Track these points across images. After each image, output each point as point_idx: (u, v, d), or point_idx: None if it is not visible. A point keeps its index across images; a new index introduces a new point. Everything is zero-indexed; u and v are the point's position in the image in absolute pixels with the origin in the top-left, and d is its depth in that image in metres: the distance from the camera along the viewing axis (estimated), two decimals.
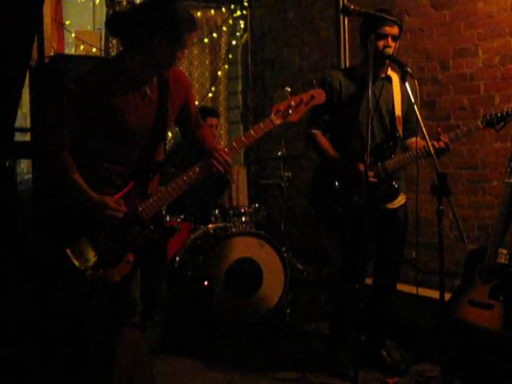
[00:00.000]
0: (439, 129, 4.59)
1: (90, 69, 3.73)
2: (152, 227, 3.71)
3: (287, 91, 3.94)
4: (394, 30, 4.45)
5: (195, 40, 8.43)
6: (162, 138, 3.85)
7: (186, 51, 3.88)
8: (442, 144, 4.44)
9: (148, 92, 3.69)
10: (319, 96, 3.91)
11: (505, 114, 4.54)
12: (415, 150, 4.44)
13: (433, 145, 4.36)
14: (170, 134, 8.12)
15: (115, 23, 3.63)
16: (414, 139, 4.69)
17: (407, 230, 4.95)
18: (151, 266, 3.96)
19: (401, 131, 4.69)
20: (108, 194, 3.60)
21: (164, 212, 6.98)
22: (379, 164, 4.55)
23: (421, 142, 4.43)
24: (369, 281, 4.99)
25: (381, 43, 4.41)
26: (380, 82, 4.58)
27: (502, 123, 4.54)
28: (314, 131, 4.74)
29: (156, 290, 4.11)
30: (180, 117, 3.95)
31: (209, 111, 7.09)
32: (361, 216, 4.30)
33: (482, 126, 4.54)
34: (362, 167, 4.43)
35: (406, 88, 4.44)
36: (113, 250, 3.61)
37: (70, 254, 3.55)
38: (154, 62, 3.59)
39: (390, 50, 4.44)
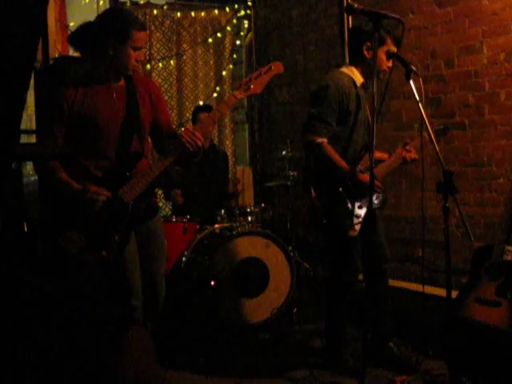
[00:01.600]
0: (407, 141, 4.62)
1: (69, 77, 4.26)
2: (134, 205, 3.88)
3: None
4: (394, 48, 4.54)
5: (199, 40, 8.45)
6: (139, 135, 4.04)
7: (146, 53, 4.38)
8: (412, 156, 4.53)
9: (114, 94, 3.97)
10: (277, 67, 4.14)
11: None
12: (395, 157, 4.54)
13: (404, 159, 4.45)
14: None
15: (74, 37, 4.01)
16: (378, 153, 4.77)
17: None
18: (148, 258, 4.17)
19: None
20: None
21: (170, 212, 7.02)
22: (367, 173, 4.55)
23: (399, 150, 4.52)
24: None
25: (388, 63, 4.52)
26: (366, 91, 4.64)
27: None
28: (321, 140, 4.57)
29: (155, 282, 4.28)
30: (151, 126, 4.17)
31: (201, 107, 7.13)
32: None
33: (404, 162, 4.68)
34: (365, 178, 4.44)
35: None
36: (100, 231, 3.81)
37: (60, 241, 3.77)
38: (111, 63, 3.92)
39: (394, 49, 4.45)
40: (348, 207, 4.55)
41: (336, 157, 4.59)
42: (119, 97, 3.98)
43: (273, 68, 4.09)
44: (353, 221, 4.54)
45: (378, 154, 4.71)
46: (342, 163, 4.57)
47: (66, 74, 4.91)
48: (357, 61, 4.71)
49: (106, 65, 3.93)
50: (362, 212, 4.52)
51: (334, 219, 4.62)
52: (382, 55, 4.49)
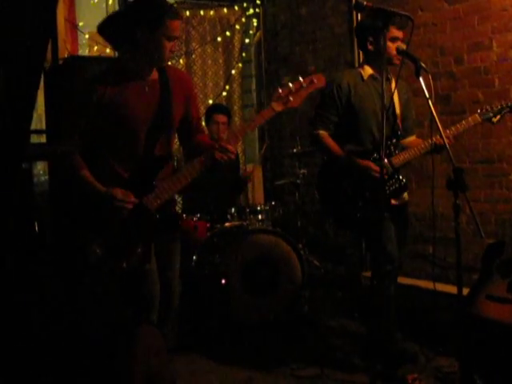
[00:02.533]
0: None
1: (96, 73, 3.86)
2: (158, 216, 3.75)
3: (287, 80, 4.00)
4: (399, 33, 4.52)
5: (208, 39, 8.45)
6: (167, 134, 3.90)
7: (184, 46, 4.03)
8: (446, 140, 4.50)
9: (146, 89, 3.78)
10: (319, 81, 3.93)
11: (500, 107, 4.61)
12: (423, 145, 4.52)
13: (435, 140, 4.41)
14: None
15: (103, 27, 3.76)
16: (410, 138, 4.86)
17: (408, 228, 4.97)
18: (164, 263, 4.01)
19: (401, 128, 4.75)
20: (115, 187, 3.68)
21: (180, 211, 7.02)
22: (386, 160, 4.56)
23: (418, 142, 4.51)
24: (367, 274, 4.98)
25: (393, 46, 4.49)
26: (384, 82, 4.62)
27: (499, 116, 4.60)
28: (321, 132, 4.79)
29: (170, 288, 4.12)
30: (180, 123, 3.99)
31: (217, 108, 7.09)
32: (375, 213, 4.36)
33: (480, 120, 4.59)
34: (368, 162, 4.51)
35: (402, 85, 4.53)
36: (123, 241, 3.67)
37: (82, 248, 3.65)
38: (144, 54, 3.70)
39: (403, 46, 4.46)
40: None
41: (334, 147, 4.73)
42: (152, 91, 3.80)
43: (315, 81, 3.91)
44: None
45: (418, 143, 4.77)
46: (340, 153, 4.65)
47: (77, 74, 4.86)
48: (366, 56, 4.79)
49: (138, 56, 3.74)
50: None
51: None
52: (387, 43, 4.49)
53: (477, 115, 4.62)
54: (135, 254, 3.69)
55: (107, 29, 3.76)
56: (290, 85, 3.84)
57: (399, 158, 4.63)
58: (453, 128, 4.57)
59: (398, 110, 4.79)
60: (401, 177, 4.66)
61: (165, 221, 3.85)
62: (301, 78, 3.88)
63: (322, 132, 4.78)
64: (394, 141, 4.68)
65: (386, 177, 4.58)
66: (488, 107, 4.64)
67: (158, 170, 3.80)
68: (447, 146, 3.87)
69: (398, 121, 4.78)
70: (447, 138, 4.44)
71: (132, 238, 3.70)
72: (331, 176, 4.82)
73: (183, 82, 3.98)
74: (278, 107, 3.85)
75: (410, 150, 4.65)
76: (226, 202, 6.72)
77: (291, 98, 3.83)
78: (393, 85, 4.74)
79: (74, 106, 3.88)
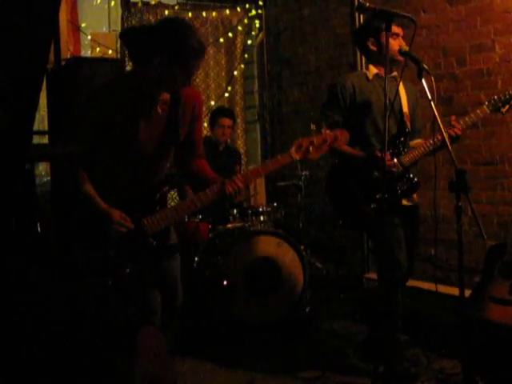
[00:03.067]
0: (453, 117, 4.58)
1: (103, 84, 3.84)
2: (155, 243, 3.75)
3: (312, 129, 3.99)
4: (399, 30, 4.52)
5: (211, 40, 8.46)
6: (169, 152, 3.89)
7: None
8: (457, 131, 4.49)
9: (159, 110, 3.72)
10: (342, 136, 3.92)
11: (508, 96, 4.55)
12: (429, 143, 4.51)
13: (448, 133, 4.39)
14: None
15: (128, 36, 3.67)
16: (417, 141, 4.80)
17: (419, 229, 4.95)
18: (164, 272, 4.00)
19: (409, 126, 4.74)
20: (116, 204, 3.65)
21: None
22: (395, 159, 4.56)
23: (429, 141, 4.51)
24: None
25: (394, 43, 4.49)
26: (391, 82, 4.60)
27: (507, 106, 4.56)
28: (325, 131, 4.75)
29: (172, 294, 4.12)
30: (181, 142, 3.91)
31: (222, 111, 7.09)
32: (386, 212, 4.37)
33: (488, 111, 4.57)
34: (379, 153, 4.50)
35: (411, 87, 4.53)
36: (112, 259, 3.67)
37: (75, 257, 3.66)
38: (157, 79, 3.60)
39: (405, 47, 4.46)
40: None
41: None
42: (162, 113, 3.74)
43: (339, 137, 3.89)
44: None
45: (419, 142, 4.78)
46: (346, 148, 4.65)
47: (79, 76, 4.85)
48: (369, 57, 4.79)
49: (151, 79, 3.63)
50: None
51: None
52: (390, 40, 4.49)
53: (485, 106, 4.58)
54: (123, 274, 3.69)
55: (131, 38, 3.65)
56: (314, 137, 3.85)
57: (409, 157, 4.60)
58: (461, 121, 4.55)
59: (405, 109, 4.78)
60: (411, 175, 4.65)
61: (161, 248, 3.83)
62: (326, 133, 3.88)
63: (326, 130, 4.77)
64: (402, 139, 4.66)
65: (395, 169, 4.56)
66: (495, 97, 4.58)
67: (157, 193, 3.79)
68: (449, 147, 3.86)
69: (406, 119, 4.76)
70: (459, 129, 4.47)
71: (122, 258, 3.69)
72: (341, 177, 4.82)
73: (194, 102, 3.89)
74: (296, 156, 3.84)
75: (419, 148, 4.63)
76: (227, 203, 6.72)
77: (311, 150, 3.83)
78: (400, 84, 4.74)
79: (85, 112, 3.84)
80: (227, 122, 6.86)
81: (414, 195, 4.79)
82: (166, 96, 3.74)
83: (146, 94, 3.69)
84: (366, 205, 4.63)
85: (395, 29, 4.52)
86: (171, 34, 3.52)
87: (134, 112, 3.66)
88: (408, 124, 4.78)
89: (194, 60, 3.56)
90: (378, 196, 4.58)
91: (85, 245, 3.67)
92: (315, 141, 3.83)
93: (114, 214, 3.62)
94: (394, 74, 4.75)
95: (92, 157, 3.71)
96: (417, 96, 4.91)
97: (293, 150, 3.84)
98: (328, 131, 3.91)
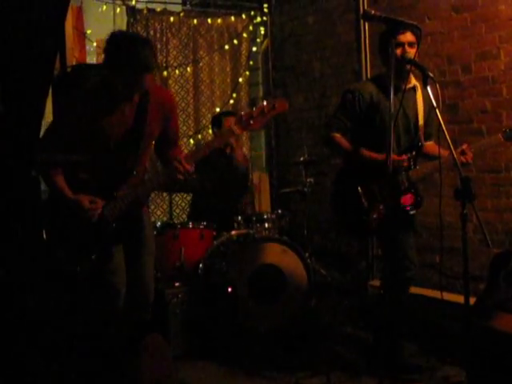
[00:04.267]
0: (465, 146, 4.58)
1: (86, 86, 4.16)
2: (114, 225, 3.96)
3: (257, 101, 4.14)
4: (408, 37, 4.49)
5: (216, 47, 8.47)
6: (137, 150, 4.07)
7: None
8: (468, 159, 4.50)
9: (126, 110, 3.98)
10: (281, 105, 4.02)
11: None
12: (438, 162, 4.51)
13: (459, 158, 4.39)
14: (192, 141, 8.16)
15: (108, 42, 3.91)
16: (429, 143, 4.80)
17: (416, 234, 4.97)
18: (132, 259, 4.21)
19: (423, 141, 4.73)
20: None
21: (187, 219, 7.02)
22: (403, 173, 4.57)
23: (444, 152, 4.47)
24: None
25: (398, 51, 4.44)
26: (407, 92, 4.58)
27: None
28: (336, 134, 4.79)
29: (146, 290, 4.30)
30: (158, 138, 4.23)
31: (225, 112, 7.14)
32: (387, 223, 4.37)
33: (503, 140, 4.59)
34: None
35: (427, 93, 4.49)
36: (78, 246, 3.90)
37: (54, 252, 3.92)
38: (124, 83, 3.86)
39: (410, 55, 4.44)
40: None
41: (349, 147, 4.77)
42: (129, 111, 4.00)
43: (276, 106, 4.01)
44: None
45: (436, 150, 4.75)
46: (355, 149, 4.66)
47: (83, 82, 4.94)
48: (388, 68, 4.73)
49: (120, 80, 3.87)
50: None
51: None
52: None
53: (500, 135, 4.62)
54: (89, 259, 3.88)
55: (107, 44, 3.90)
56: (253, 109, 3.99)
57: (417, 172, 4.62)
58: (473, 148, 4.58)
59: (421, 121, 4.77)
60: (417, 192, 4.65)
61: (124, 229, 4.03)
62: (264, 103, 4.00)
63: (337, 134, 4.78)
64: (414, 153, 4.66)
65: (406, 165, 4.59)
66: None
67: (121, 180, 4.00)
68: (454, 155, 3.85)
69: (420, 133, 4.75)
70: (470, 157, 4.48)
71: (87, 245, 3.90)
72: (346, 184, 4.82)
73: (163, 102, 4.17)
74: (237, 130, 3.98)
75: (428, 165, 4.65)
76: (230, 209, 6.73)
77: (252, 122, 3.95)
78: (418, 93, 4.73)
79: (64, 115, 4.09)
80: (233, 120, 6.86)
81: None
82: (135, 97, 3.99)
83: (120, 94, 3.94)
84: (367, 215, 4.63)
85: (404, 37, 4.49)
86: (112, 44, 3.82)
87: (103, 111, 3.92)
88: (422, 138, 4.77)
89: (130, 75, 3.80)
90: (381, 207, 4.59)
91: (62, 238, 3.93)
92: (254, 113, 3.95)
93: (82, 199, 3.86)
94: (413, 83, 4.71)
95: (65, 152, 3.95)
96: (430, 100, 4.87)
97: (233, 125, 3.99)
98: (265, 102, 4.02)
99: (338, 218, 5.00)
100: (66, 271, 3.94)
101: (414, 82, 4.72)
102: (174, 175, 3.94)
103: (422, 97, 4.77)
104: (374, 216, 4.61)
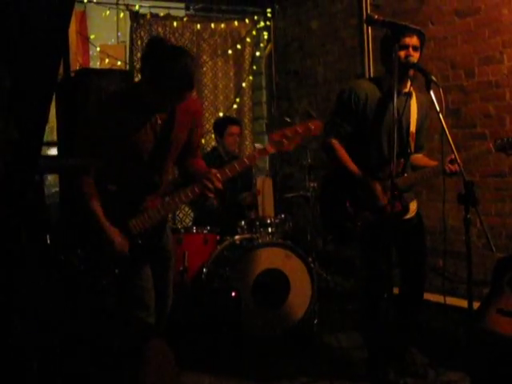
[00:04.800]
0: (453, 155, 4.56)
1: (112, 92, 4.14)
2: (140, 242, 3.87)
3: (287, 121, 4.08)
4: (414, 41, 4.46)
5: (219, 52, 8.49)
6: (165, 161, 4.00)
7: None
8: (456, 168, 4.44)
9: (158, 120, 3.87)
10: (316, 128, 3.99)
11: None
12: (428, 170, 4.52)
13: (447, 167, 4.39)
14: None
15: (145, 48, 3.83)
16: (418, 155, 4.81)
17: (425, 236, 4.93)
18: (156, 272, 4.13)
19: (413, 148, 4.70)
20: (109, 211, 3.81)
21: (190, 224, 7.03)
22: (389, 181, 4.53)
23: (432, 163, 4.47)
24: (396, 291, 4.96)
25: (402, 53, 4.41)
26: (403, 97, 4.55)
27: None
28: (333, 140, 4.70)
29: (164, 296, 4.25)
30: (181, 147, 4.08)
31: (230, 120, 7.12)
32: (373, 230, 4.36)
33: (493, 151, 4.55)
34: (378, 187, 4.48)
35: (423, 101, 4.49)
36: (102, 259, 3.83)
37: (65, 259, 3.84)
38: (155, 95, 3.74)
39: (413, 59, 4.43)
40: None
41: (345, 158, 4.67)
42: (158, 124, 3.88)
43: (312, 129, 3.97)
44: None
45: (425, 161, 4.76)
46: (351, 166, 4.62)
47: (88, 87, 4.92)
48: (387, 70, 4.71)
49: (150, 91, 3.72)
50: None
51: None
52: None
53: (490, 145, 4.56)
54: (113, 273, 3.83)
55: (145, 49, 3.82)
56: (287, 130, 3.92)
57: (404, 180, 4.58)
58: (463, 154, 4.55)
59: (412, 128, 4.70)
60: (404, 197, 4.62)
61: (148, 246, 3.96)
62: (298, 125, 3.96)
63: (335, 141, 4.69)
64: (403, 160, 4.63)
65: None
66: (504, 139, 4.56)
67: (149, 193, 3.91)
68: (458, 160, 3.85)
69: (411, 139, 4.72)
70: (457, 164, 4.44)
71: (111, 259, 3.83)
72: (331, 191, 4.81)
73: (193, 112, 4.04)
74: (271, 149, 3.92)
75: (417, 173, 4.63)
76: (236, 215, 6.73)
77: (285, 142, 3.90)
78: (413, 100, 4.69)
79: (88, 122, 3.97)
80: (237, 129, 6.88)
81: (411, 206, 4.75)
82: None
83: (149, 106, 3.82)
84: (352, 221, 4.62)
85: (410, 40, 4.48)
86: (155, 55, 3.65)
87: (131, 123, 3.80)
88: (412, 144, 4.73)
89: (185, 91, 3.69)
90: (366, 214, 4.57)
91: (85, 247, 3.83)
92: (288, 133, 3.90)
93: (115, 238, 3.78)
94: (409, 89, 4.68)
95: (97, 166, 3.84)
96: (427, 110, 4.83)
97: (267, 144, 3.93)
98: (300, 123, 3.99)
99: (324, 224, 4.99)
100: (89, 282, 3.90)
101: (409, 87, 4.67)
102: (204, 192, 3.87)
103: (417, 104, 4.73)
104: (359, 223, 4.60)
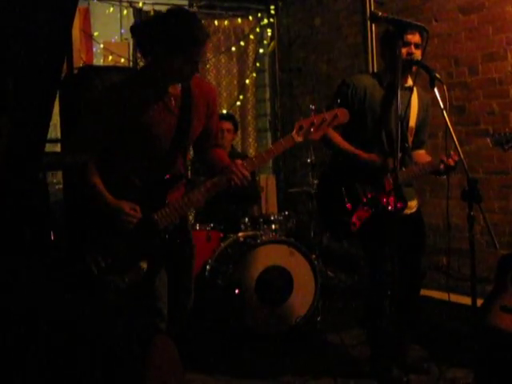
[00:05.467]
0: (451, 150, 4.53)
1: (115, 82, 3.90)
2: (167, 236, 3.77)
3: (312, 109, 3.94)
4: (416, 38, 4.46)
5: (223, 49, 8.49)
6: (185, 148, 3.91)
7: (209, 62, 3.96)
8: (451, 162, 4.42)
9: (173, 102, 3.75)
10: (342, 115, 3.85)
11: None
12: (425, 165, 4.51)
13: (442, 161, 4.38)
14: None
15: (137, 29, 3.79)
16: (419, 151, 4.77)
17: (425, 232, 4.93)
18: (176, 276, 4.02)
19: (411, 142, 4.70)
20: (128, 198, 3.68)
21: (194, 221, 7.03)
22: (389, 175, 4.52)
23: (426, 158, 4.47)
24: None
25: (404, 50, 4.41)
26: (404, 91, 4.54)
27: (511, 143, 4.52)
28: None
29: (181, 300, 4.14)
30: (199, 134, 3.96)
31: (221, 116, 7.11)
32: (373, 226, 4.36)
33: (491, 145, 4.53)
34: (377, 158, 4.48)
35: (424, 97, 4.48)
36: (126, 255, 3.69)
37: (86, 258, 3.67)
38: (164, 71, 3.66)
39: (416, 56, 4.43)
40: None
41: (339, 140, 4.68)
42: (174, 106, 3.77)
43: (339, 116, 3.82)
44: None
45: (426, 159, 4.75)
46: (345, 145, 4.63)
47: (92, 84, 4.87)
48: (386, 65, 4.71)
49: (160, 71, 3.68)
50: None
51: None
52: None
53: (488, 140, 4.54)
54: (138, 269, 3.71)
55: (138, 32, 3.76)
56: (314, 117, 3.79)
57: (403, 175, 4.50)
58: (459, 148, 4.53)
59: (411, 123, 4.70)
60: (403, 192, 4.60)
61: (174, 240, 3.85)
62: (325, 113, 3.81)
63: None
64: (401, 155, 4.61)
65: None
66: (502, 133, 4.55)
67: (173, 185, 3.81)
68: (461, 157, 3.84)
69: (409, 134, 4.71)
70: (455, 161, 4.42)
71: (136, 253, 3.72)
72: (330, 186, 4.80)
73: (207, 95, 3.94)
74: (298, 138, 3.77)
75: (416, 167, 4.62)
76: (239, 212, 6.73)
77: (312, 131, 3.77)
78: (414, 95, 4.67)
79: (88, 115, 3.87)
80: (226, 125, 6.77)
81: (412, 203, 4.75)
82: (177, 90, 3.79)
83: (156, 88, 3.73)
84: (350, 216, 4.61)
85: (413, 37, 4.47)
86: (168, 22, 3.57)
87: (147, 109, 3.68)
88: (410, 139, 4.73)
89: (194, 47, 3.57)
90: (365, 209, 4.56)
91: (96, 246, 3.70)
92: (315, 121, 3.77)
93: (123, 205, 3.65)
94: (410, 84, 4.68)
95: (104, 158, 3.75)
96: (428, 105, 4.84)
97: (294, 132, 3.78)
98: (327, 111, 3.84)
99: (322, 219, 4.99)
100: (108, 281, 3.80)
101: (410, 82, 4.67)
102: (231, 181, 3.75)
103: (418, 99, 4.72)
104: (357, 218, 4.59)
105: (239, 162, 3.81)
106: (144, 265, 3.73)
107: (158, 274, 3.82)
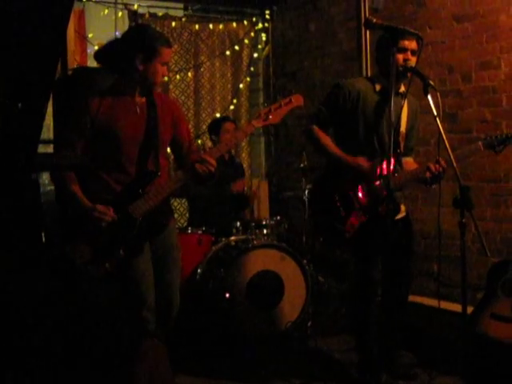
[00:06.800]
0: (438, 157, 4.52)
1: (90, 90, 4.25)
2: (141, 220, 3.98)
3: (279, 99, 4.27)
4: (413, 45, 4.47)
5: (217, 53, 8.49)
6: (156, 152, 4.15)
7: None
8: (437, 167, 4.42)
9: (138, 110, 4.10)
10: (297, 100, 4.22)
11: (504, 136, 4.53)
12: (412, 172, 4.52)
13: (429, 168, 4.40)
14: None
15: (101, 54, 4.26)
16: (407, 159, 4.81)
17: (413, 237, 4.95)
18: (163, 269, 4.28)
19: (402, 147, 4.71)
20: (107, 199, 3.98)
21: (185, 224, 7.03)
22: (381, 180, 4.53)
23: (414, 165, 4.49)
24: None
25: (400, 57, 4.43)
26: (397, 97, 4.55)
27: (502, 146, 4.53)
28: (315, 127, 4.78)
29: (169, 292, 4.35)
30: (172, 144, 4.37)
31: (224, 118, 7.16)
32: (364, 232, 4.36)
33: (482, 149, 4.53)
34: (364, 163, 4.49)
35: (414, 103, 4.49)
36: (105, 245, 3.93)
37: (67, 251, 3.93)
38: (140, 79, 4.07)
39: (411, 63, 4.45)
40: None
41: (327, 141, 4.74)
42: (141, 113, 4.10)
43: (293, 101, 4.20)
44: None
45: (414, 166, 4.76)
46: (332, 148, 4.69)
47: (85, 85, 4.96)
48: (380, 70, 4.73)
49: (134, 80, 4.08)
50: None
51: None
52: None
53: (480, 143, 4.55)
54: (118, 255, 3.93)
55: (104, 53, 4.22)
56: (271, 105, 4.17)
57: (394, 180, 4.50)
58: (451, 155, 4.53)
59: (402, 128, 4.72)
60: (395, 197, 4.59)
61: (151, 226, 4.08)
62: (281, 100, 4.20)
63: (315, 127, 4.78)
64: (392, 160, 4.61)
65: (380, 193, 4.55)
66: (492, 136, 4.57)
67: (146, 182, 4.04)
68: (454, 164, 3.85)
69: (400, 139, 4.72)
70: (442, 162, 4.42)
71: (114, 242, 3.94)
72: (323, 192, 4.81)
73: (169, 106, 4.33)
74: (257, 123, 4.14)
75: (407, 173, 4.63)
76: (231, 216, 6.73)
77: (271, 116, 4.11)
78: (405, 100, 4.68)
79: (70, 118, 4.15)
80: (231, 126, 6.86)
81: (402, 207, 4.77)
82: (142, 100, 4.14)
83: (130, 95, 4.11)
84: (343, 223, 4.61)
85: (409, 44, 4.48)
86: (136, 34, 4.14)
87: (118, 115, 4.04)
88: (401, 145, 4.74)
89: (164, 47, 4.06)
90: (358, 216, 4.57)
91: (75, 240, 3.95)
92: (272, 108, 4.15)
93: (97, 206, 3.91)
94: (403, 90, 4.70)
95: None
96: (417, 112, 4.86)
97: (253, 120, 4.16)
98: (283, 98, 4.23)
99: (315, 224, 5.00)
100: (88, 270, 3.96)
101: (403, 88, 4.69)
102: (196, 168, 4.01)
103: (408, 105, 4.75)
104: (350, 225, 4.59)
105: (204, 154, 4.14)
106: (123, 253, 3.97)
107: (135, 258, 4.04)
